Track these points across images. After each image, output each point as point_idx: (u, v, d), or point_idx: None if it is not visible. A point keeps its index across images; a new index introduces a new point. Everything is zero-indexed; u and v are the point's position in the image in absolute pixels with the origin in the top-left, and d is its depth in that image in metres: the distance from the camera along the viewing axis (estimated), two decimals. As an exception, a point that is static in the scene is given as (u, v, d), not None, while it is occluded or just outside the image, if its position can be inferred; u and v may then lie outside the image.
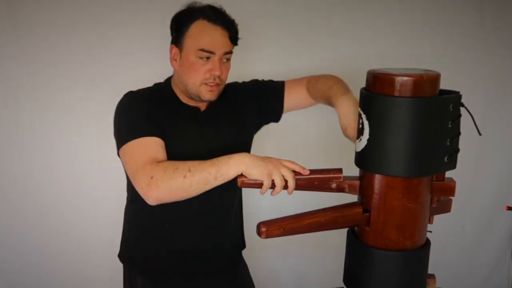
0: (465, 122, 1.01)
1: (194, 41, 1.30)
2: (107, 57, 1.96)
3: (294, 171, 1.09)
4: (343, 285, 1.14)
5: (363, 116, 1.00)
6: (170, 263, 1.49)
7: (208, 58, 1.30)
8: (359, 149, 1.03)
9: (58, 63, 1.94)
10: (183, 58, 1.33)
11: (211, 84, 1.33)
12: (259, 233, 1.01)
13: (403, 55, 2.09)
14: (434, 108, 0.95)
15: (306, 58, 2.07)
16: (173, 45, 1.37)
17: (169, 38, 1.38)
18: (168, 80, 1.45)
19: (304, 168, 1.09)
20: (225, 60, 1.34)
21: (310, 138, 2.15)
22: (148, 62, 1.96)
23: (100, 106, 1.98)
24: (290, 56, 2.07)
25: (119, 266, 1.63)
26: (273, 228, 1.00)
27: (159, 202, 1.18)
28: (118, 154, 1.32)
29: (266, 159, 1.12)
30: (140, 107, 1.33)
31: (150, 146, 1.25)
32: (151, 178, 1.16)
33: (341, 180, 1.07)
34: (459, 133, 1.00)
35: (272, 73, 2.02)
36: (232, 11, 1.93)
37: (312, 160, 2.01)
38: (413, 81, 0.93)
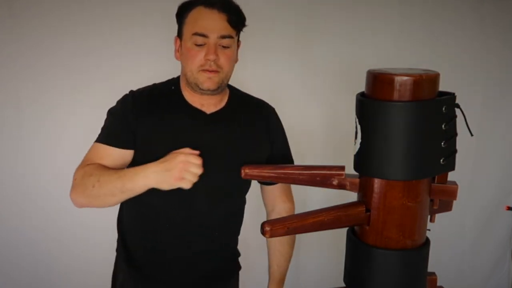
0: (464, 123, 1.01)
1: (189, 27, 1.26)
2: (109, 58, 1.97)
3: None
4: (343, 284, 1.14)
5: (356, 120, 1.02)
6: (156, 269, 1.42)
7: (203, 43, 1.24)
8: (354, 152, 1.05)
9: (59, 63, 1.95)
10: (183, 47, 1.29)
11: (209, 70, 1.26)
12: (263, 232, 1.02)
13: (403, 55, 2.09)
14: (426, 111, 0.96)
15: (306, 59, 2.08)
16: (176, 37, 1.34)
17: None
18: (178, 77, 1.40)
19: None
20: (223, 46, 1.26)
21: (313, 135, 2.16)
22: (150, 63, 1.97)
23: (101, 106, 1.99)
24: (289, 57, 2.07)
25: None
26: (277, 227, 1.01)
27: (81, 206, 1.24)
28: None
29: (170, 161, 1.14)
30: (126, 112, 1.31)
31: (103, 154, 1.28)
32: (75, 179, 1.24)
33: (343, 177, 1.08)
34: (455, 134, 1.00)
35: (270, 73, 2.03)
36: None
37: (315, 157, 2.02)
38: (413, 80, 0.94)
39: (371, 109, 0.98)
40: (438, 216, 1.12)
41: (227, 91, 1.40)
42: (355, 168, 1.07)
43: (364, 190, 1.06)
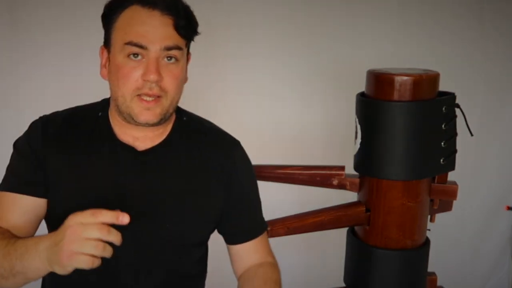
0: (464, 123, 1.01)
1: (120, 34, 0.92)
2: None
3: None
4: (343, 284, 1.15)
5: (356, 120, 1.02)
6: None
7: (140, 56, 0.91)
8: (354, 152, 1.05)
9: (60, 63, 1.95)
10: (111, 62, 0.95)
11: (147, 98, 0.91)
12: (263, 232, 1.02)
13: (403, 55, 2.09)
14: (426, 111, 0.96)
15: (305, 59, 2.08)
16: (102, 47, 0.99)
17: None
18: (107, 100, 1.05)
19: (118, 214, 0.76)
20: (168, 60, 0.92)
21: (313, 135, 2.16)
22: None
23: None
24: (288, 57, 2.07)
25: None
26: (278, 227, 1.02)
27: None
28: None
29: (60, 229, 0.78)
30: (34, 147, 0.99)
31: (6, 205, 0.96)
32: None
33: (343, 177, 1.08)
34: (455, 134, 1.01)
35: (269, 73, 2.03)
36: (229, 12, 1.92)
37: (315, 157, 2.02)
38: (413, 80, 0.94)
39: (371, 109, 0.99)
40: (438, 216, 1.12)
41: (172, 117, 1.03)
42: (355, 168, 1.07)
43: (364, 190, 1.06)
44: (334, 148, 2.02)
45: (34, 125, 1.02)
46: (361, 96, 1.02)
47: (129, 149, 0.99)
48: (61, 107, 1.81)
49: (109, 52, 0.96)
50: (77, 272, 0.82)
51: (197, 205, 1.01)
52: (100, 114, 1.03)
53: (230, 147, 1.06)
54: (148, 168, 0.99)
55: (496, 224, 2.39)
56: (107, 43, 0.96)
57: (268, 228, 1.01)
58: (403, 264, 1.05)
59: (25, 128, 1.70)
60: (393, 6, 2.09)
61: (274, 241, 1.22)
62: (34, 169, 0.98)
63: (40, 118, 1.03)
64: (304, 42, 2.07)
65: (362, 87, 1.05)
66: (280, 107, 2.07)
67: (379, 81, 0.98)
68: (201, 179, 1.01)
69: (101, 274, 0.91)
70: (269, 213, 1.17)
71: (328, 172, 1.09)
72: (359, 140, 1.02)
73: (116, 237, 0.76)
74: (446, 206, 1.20)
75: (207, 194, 1.01)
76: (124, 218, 0.75)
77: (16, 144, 1.02)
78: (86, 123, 1.02)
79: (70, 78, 1.97)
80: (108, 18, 0.95)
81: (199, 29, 0.98)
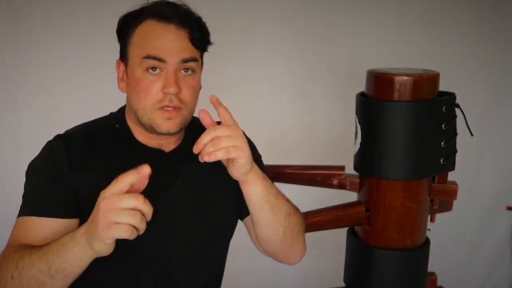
0: (464, 123, 1.01)
1: (138, 49, 0.95)
2: (110, 57, 1.96)
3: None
4: (343, 284, 1.15)
5: (356, 120, 1.02)
6: None
7: (158, 69, 0.93)
8: (354, 152, 1.05)
9: (59, 63, 1.95)
10: (129, 75, 0.97)
11: (168, 108, 0.94)
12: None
13: (403, 55, 2.09)
14: (426, 111, 0.96)
15: (305, 59, 2.08)
16: (119, 61, 1.02)
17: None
18: (122, 110, 1.07)
19: (140, 170, 0.78)
20: (185, 72, 0.95)
21: (313, 135, 2.16)
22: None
23: (101, 107, 1.99)
24: (288, 57, 2.08)
25: None
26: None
27: None
28: None
29: (95, 211, 0.78)
30: (59, 165, 0.96)
31: (32, 231, 0.94)
32: None
33: (343, 177, 1.08)
34: (455, 134, 1.01)
35: (269, 73, 2.03)
36: (230, 12, 1.92)
37: (315, 157, 2.02)
38: (413, 80, 0.94)
39: (371, 109, 0.99)
40: (438, 216, 1.12)
41: None
42: (355, 168, 1.07)
43: (364, 190, 1.06)
44: (334, 148, 2.02)
45: (54, 145, 1.00)
46: (361, 96, 1.02)
47: (159, 152, 1.02)
48: (64, 106, 1.82)
49: (126, 65, 0.99)
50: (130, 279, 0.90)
51: (226, 190, 1.05)
52: (117, 126, 1.04)
53: None
54: (178, 166, 1.03)
55: (496, 224, 2.39)
56: (123, 57, 1.00)
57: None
58: (403, 264, 1.05)
59: (25, 128, 1.71)
60: (393, 7, 2.09)
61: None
62: (63, 190, 0.95)
63: (59, 137, 1.02)
64: (304, 42, 2.07)
65: (362, 87, 1.05)
66: (280, 107, 2.07)
67: (379, 81, 0.98)
68: (219, 164, 0.97)
69: (156, 276, 0.98)
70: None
71: (328, 172, 1.09)
72: (359, 140, 1.02)
73: (150, 208, 0.77)
74: (446, 206, 1.20)
75: (229, 176, 0.98)
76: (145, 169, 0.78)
77: (34, 167, 0.98)
78: (107, 137, 1.03)
79: (71, 75, 1.97)
80: (124, 33, 0.98)
81: (212, 38, 1.02)
